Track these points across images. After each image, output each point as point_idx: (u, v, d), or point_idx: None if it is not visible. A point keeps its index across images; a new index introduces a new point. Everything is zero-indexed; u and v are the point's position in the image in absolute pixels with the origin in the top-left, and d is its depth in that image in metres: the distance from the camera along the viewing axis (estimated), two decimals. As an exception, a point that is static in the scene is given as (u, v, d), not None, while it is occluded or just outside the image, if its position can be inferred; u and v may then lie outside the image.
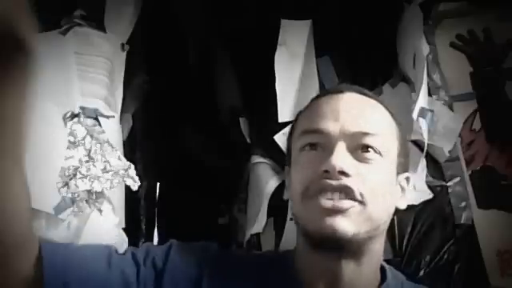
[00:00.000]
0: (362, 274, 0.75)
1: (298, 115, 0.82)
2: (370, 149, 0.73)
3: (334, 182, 0.70)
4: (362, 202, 0.71)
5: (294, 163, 0.77)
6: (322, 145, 0.74)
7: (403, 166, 0.79)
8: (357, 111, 0.76)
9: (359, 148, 0.73)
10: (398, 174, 0.78)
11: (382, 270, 0.79)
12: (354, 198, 0.70)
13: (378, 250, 0.76)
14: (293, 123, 0.82)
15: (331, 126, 0.73)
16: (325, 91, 0.83)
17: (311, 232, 0.72)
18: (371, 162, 0.73)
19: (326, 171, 0.70)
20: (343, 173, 0.70)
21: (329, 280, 0.74)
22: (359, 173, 0.71)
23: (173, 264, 0.75)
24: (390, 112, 0.80)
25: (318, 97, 0.82)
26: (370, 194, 0.71)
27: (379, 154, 0.73)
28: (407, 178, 0.80)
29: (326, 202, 0.70)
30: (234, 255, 0.85)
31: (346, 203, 0.70)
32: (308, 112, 0.80)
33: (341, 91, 0.79)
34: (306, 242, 0.74)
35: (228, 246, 1.68)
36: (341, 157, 0.71)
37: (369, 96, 0.80)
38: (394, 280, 0.79)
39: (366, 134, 0.73)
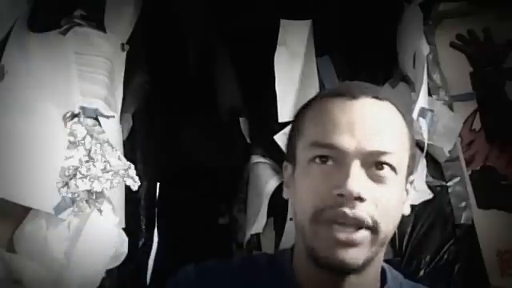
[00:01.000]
0: (364, 283, 0.74)
1: (302, 114, 0.77)
2: (384, 165, 0.69)
3: (349, 213, 0.66)
4: (375, 230, 0.68)
5: (303, 173, 0.71)
6: (334, 159, 0.69)
7: (411, 169, 0.76)
8: (373, 125, 0.70)
9: (374, 165, 0.69)
10: (406, 180, 0.75)
11: (382, 271, 0.78)
12: (367, 227, 0.68)
13: (380, 258, 0.74)
14: (297, 121, 0.77)
15: (347, 143, 0.68)
16: (335, 92, 0.74)
17: (320, 256, 0.69)
18: (385, 180, 0.69)
19: (341, 195, 0.67)
20: (360, 198, 0.67)
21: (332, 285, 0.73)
22: (374, 196, 0.68)
23: None
24: (401, 112, 0.75)
25: (326, 96, 0.75)
26: (383, 218, 0.69)
27: (394, 171, 0.70)
28: (412, 182, 0.77)
29: (340, 235, 0.67)
30: (217, 266, 0.81)
31: (359, 236, 0.67)
32: (318, 117, 0.73)
33: (354, 96, 0.72)
34: (310, 259, 0.72)
35: (228, 246, 1.68)
36: (357, 180, 0.67)
37: (381, 99, 0.73)
38: (393, 281, 0.79)
39: (382, 152, 0.69)
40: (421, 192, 1.44)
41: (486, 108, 1.55)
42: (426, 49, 1.51)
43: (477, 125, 1.55)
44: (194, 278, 0.78)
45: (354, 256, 0.67)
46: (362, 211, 0.67)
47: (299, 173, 0.73)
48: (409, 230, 1.45)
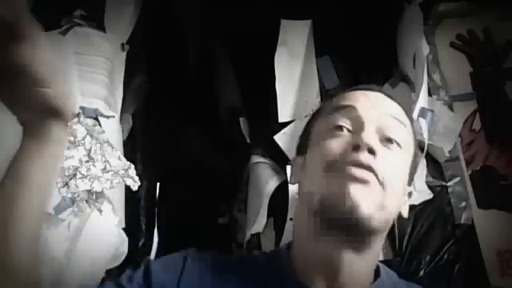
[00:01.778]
0: (360, 268, 0.76)
1: (324, 102, 0.88)
2: (393, 142, 0.77)
3: (362, 158, 0.72)
4: (382, 184, 0.73)
5: (318, 141, 0.78)
6: (351, 128, 0.76)
7: (411, 177, 0.83)
8: (385, 106, 0.81)
9: (384, 139, 0.77)
10: (408, 183, 0.82)
11: (376, 267, 0.80)
12: (375, 174, 0.73)
13: (378, 247, 0.77)
14: (317, 111, 0.86)
15: (364, 105, 0.77)
16: (359, 87, 0.87)
17: (328, 201, 0.72)
18: (393, 150, 0.76)
19: (357, 146, 0.73)
20: (372, 151, 0.72)
21: (328, 271, 0.74)
22: (384, 157, 0.74)
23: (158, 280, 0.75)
24: (407, 113, 0.85)
25: (343, 91, 0.86)
26: (390, 178, 0.74)
27: (399, 146, 0.77)
28: (410, 193, 0.84)
29: (354, 170, 0.72)
30: (220, 258, 0.84)
31: (370, 176, 0.72)
32: (339, 96, 0.84)
33: (372, 89, 0.84)
34: (316, 224, 0.74)
35: (228, 246, 1.68)
36: (371, 135, 0.74)
37: (393, 98, 0.85)
38: (388, 278, 0.80)
39: (391, 126, 0.77)
40: (421, 192, 1.44)
41: (485, 108, 1.55)
42: (425, 49, 1.51)
43: (477, 125, 1.55)
44: (190, 261, 0.79)
45: (362, 194, 0.71)
46: (373, 162, 0.73)
47: (313, 146, 0.79)
48: (409, 230, 1.45)
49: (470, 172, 1.53)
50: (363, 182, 0.71)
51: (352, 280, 0.74)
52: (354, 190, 0.70)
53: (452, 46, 1.58)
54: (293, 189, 1.34)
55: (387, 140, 0.77)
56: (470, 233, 1.47)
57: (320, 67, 1.57)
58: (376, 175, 0.72)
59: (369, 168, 0.72)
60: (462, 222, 1.47)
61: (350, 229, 0.71)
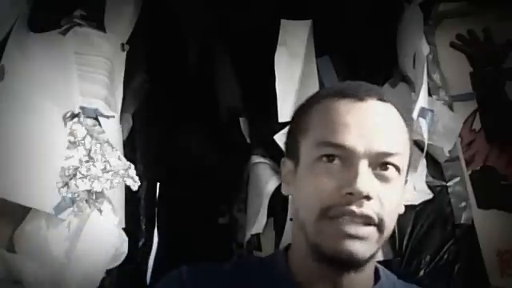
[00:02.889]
0: (360, 280, 0.75)
1: (308, 112, 0.78)
2: (389, 166, 0.71)
3: (357, 210, 0.68)
4: (380, 227, 0.70)
5: (308, 171, 0.73)
6: (342, 158, 0.71)
7: (407, 169, 0.78)
8: (380, 126, 0.73)
9: (379, 165, 0.71)
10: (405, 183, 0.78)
11: (375, 270, 0.79)
12: (373, 224, 0.69)
13: (376, 255, 0.76)
14: (299, 119, 0.79)
15: (357, 143, 0.70)
16: (340, 93, 0.76)
17: (326, 251, 0.70)
18: (390, 180, 0.71)
19: (350, 193, 0.68)
20: (367, 197, 0.68)
21: (328, 285, 0.74)
22: (379, 195, 0.70)
23: None
24: (402, 114, 0.77)
25: (331, 96, 0.76)
26: (388, 218, 0.71)
27: (398, 171, 0.72)
28: (406, 181, 0.79)
29: (349, 228, 0.68)
30: (209, 268, 0.82)
31: (366, 231, 0.69)
32: (326, 116, 0.74)
33: (361, 98, 0.74)
34: (312, 254, 0.73)
35: (228, 246, 1.68)
36: (365, 179, 0.69)
37: (385, 101, 0.76)
38: (387, 280, 0.80)
39: (389, 154, 0.71)
40: (421, 192, 1.44)
41: (486, 108, 1.55)
42: (425, 49, 1.51)
43: (477, 125, 1.55)
44: (186, 279, 0.78)
45: (361, 249, 0.68)
46: (369, 209, 0.69)
47: (303, 171, 0.74)
48: (409, 230, 1.45)
49: (470, 172, 1.53)
50: (359, 238, 0.68)
51: (354, 286, 0.74)
52: (349, 244, 0.68)
53: (452, 46, 1.58)
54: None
55: (384, 165, 0.71)
56: (470, 233, 1.47)
57: (320, 67, 1.57)
58: (372, 223, 0.69)
59: (364, 217, 0.68)
60: (462, 222, 1.47)
61: (350, 268, 0.71)
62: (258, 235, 1.54)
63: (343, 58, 1.61)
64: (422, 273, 1.41)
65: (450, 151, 1.48)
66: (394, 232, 1.44)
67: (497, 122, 1.53)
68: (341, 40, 1.61)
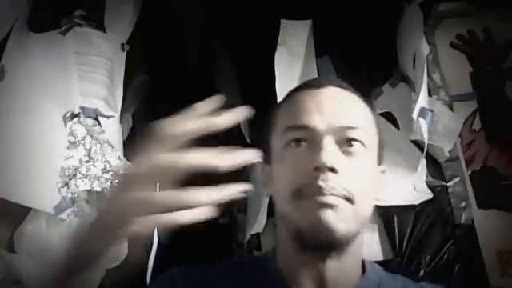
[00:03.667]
0: (345, 270, 0.76)
1: (277, 110, 0.82)
2: (354, 142, 0.74)
3: (323, 184, 0.70)
4: (350, 200, 0.71)
5: (278, 160, 0.77)
6: (308, 140, 0.74)
7: (381, 158, 0.81)
8: (340, 105, 0.77)
9: (344, 142, 0.74)
10: (378, 164, 0.80)
11: (362, 263, 0.80)
12: (343, 197, 0.71)
13: (360, 244, 0.77)
14: (270, 119, 0.82)
15: (318, 121, 0.74)
16: (304, 85, 0.82)
17: (304, 229, 0.71)
18: (356, 154, 0.74)
19: (317, 168, 0.71)
20: (333, 169, 0.71)
21: (313, 279, 0.75)
22: (346, 168, 0.72)
23: None
24: (367, 104, 0.81)
25: (296, 90, 0.81)
26: (358, 191, 0.72)
27: (363, 146, 0.75)
28: (383, 171, 0.82)
29: (320, 199, 0.70)
30: (201, 269, 0.83)
31: (337, 200, 0.71)
32: (290, 106, 0.79)
33: (322, 85, 0.79)
34: (294, 242, 0.74)
35: (228, 246, 1.68)
36: (330, 152, 0.72)
37: (347, 89, 0.80)
38: (373, 272, 0.80)
39: (350, 127, 0.74)
40: (421, 192, 1.44)
41: (486, 108, 1.54)
42: (426, 49, 1.51)
43: (477, 125, 1.55)
44: (178, 281, 0.79)
45: (334, 218, 0.70)
46: (335, 182, 0.71)
47: (275, 163, 0.77)
48: (409, 229, 1.45)
49: (470, 172, 1.53)
50: (331, 207, 0.70)
51: (339, 279, 0.75)
52: (325, 216, 0.69)
53: (452, 46, 1.58)
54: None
55: (349, 142, 0.74)
56: (470, 233, 1.47)
57: (320, 67, 1.57)
58: (341, 195, 0.71)
59: (333, 190, 0.70)
60: (462, 222, 1.47)
61: (330, 247, 0.72)
62: (257, 235, 1.54)
63: (343, 58, 1.61)
64: (422, 273, 1.41)
65: (450, 151, 1.48)
66: (393, 232, 1.45)
67: (497, 122, 1.53)
68: (341, 40, 1.61)
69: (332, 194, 0.70)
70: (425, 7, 1.50)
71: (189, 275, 0.81)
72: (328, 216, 0.70)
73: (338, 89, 0.79)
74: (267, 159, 0.81)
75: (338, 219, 0.70)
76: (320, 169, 0.70)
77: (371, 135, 0.78)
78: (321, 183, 0.70)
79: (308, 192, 0.71)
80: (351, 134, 0.74)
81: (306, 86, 0.81)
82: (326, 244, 0.72)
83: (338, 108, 0.76)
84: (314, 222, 0.70)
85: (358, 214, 0.73)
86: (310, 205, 0.71)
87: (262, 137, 0.84)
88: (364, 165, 0.75)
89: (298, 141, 0.74)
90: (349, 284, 0.77)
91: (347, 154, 0.73)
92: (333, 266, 0.74)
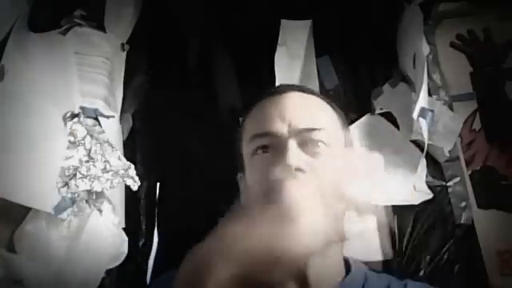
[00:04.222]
0: (328, 267, 0.76)
1: (244, 120, 0.84)
2: (318, 143, 0.76)
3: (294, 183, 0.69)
4: (321, 196, 0.70)
5: (248, 168, 0.77)
6: (273, 146, 0.76)
7: (349, 144, 0.82)
8: (301, 109, 0.79)
9: (308, 143, 0.76)
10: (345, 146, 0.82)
11: (346, 262, 0.80)
12: (312, 196, 0.69)
13: (340, 245, 0.77)
14: (240, 129, 0.83)
15: (280, 127, 0.76)
16: (267, 93, 0.84)
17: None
18: (321, 154, 0.76)
19: (283, 173, 0.72)
20: (299, 169, 0.71)
21: (295, 277, 0.75)
22: (313, 168, 0.73)
23: None
24: (330, 104, 0.83)
25: (260, 100, 0.84)
26: (328, 187, 0.74)
27: (327, 145, 0.77)
28: (352, 170, 0.85)
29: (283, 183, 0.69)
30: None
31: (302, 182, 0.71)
32: (254, 116, 0.82)
33: (283, 91, 0.82)
34: None
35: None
36: (295, 154, 0.73)
37: (309, 93, 0.83)
38: (358, 271, 0.80)
39: (312, 129, 0.76)
40: (421, 192, 1.44)
41: (486, 108, 1.55)
42: (426, 49, 1.51)
43: (477, 125, 1.55)
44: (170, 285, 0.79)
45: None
46: (303, 180, 0.72)
47: (246, 170, 0.78)
48: (409, 229, 1.45)
49: (470, 172, 1.53)
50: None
51: (322, 277, 0.74)
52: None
53: (452, 46, 1.58)
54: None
55: (312, 142, 0.75)
56: (469, 233, 1.47)
57: (320, 67, 1.57)
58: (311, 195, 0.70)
59: (302, 189, 0.68)
60: (462, 222, 1.47)
61: None
62: (257, 235, 1.53)
63: (343, 57, 1.61)
64: (421, 273, 1.41)
65: (450, 151, 1.48)
66: (393, 232, 1.44)
67: (497, 122, 1.53)
68: (341, 40, 1.61)
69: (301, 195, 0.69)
70: (425, 7, 1.50)
71: (167, 282, 0.81)
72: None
73: (299, 93, 0.82)
74: (241, 168, 0.81)
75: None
76: (287, 170, 0.72)
77: (335, 133, 0.80)
78: (289, 182, 0.69)
79: (276, 190, 0.69)
80: (313, 136, 0.75)
81: (269, 93, 0.84)
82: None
83: (298, 111, 0.78)
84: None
85: (331, 212, 0.72)
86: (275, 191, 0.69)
87: (235, 147, 0.85)
88: (330, 163, 0.75)
89: (264, 147, 0.77)
90: (333, 282, 0.77)
91: (311, 153, 0.75)
92: (315, 263, 0.74)
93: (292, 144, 0.74)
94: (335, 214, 0.74)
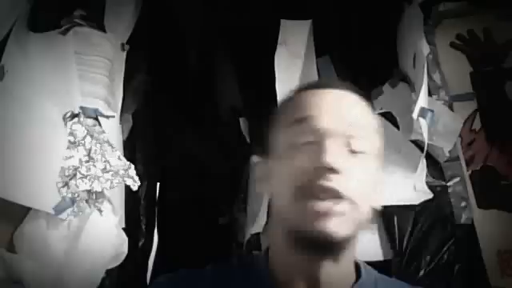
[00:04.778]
0: (339, 272, 0.75)
1: (280, 107, 0.82)
2: (357, 145, 0.74)
3: (325, 184, 0.70)
4: (352, 202, 0.71)
5: (280, 157, 0.76)
6: (312, 138, 0.74)
7: (381, 162, 0.81)
8: (346, 109, 0.77)
9: (348, 145, 0.74)
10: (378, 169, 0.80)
11: (356, 266, 0.80)
12: (345, 198, 0.71)
13: (354, 245, 0.77)
14: (274, 118, 0.82)
15: (324, 121, 0.74)
16: (310, 85, 0.82)
17: (303, 231, 0.71)
18: (358, 158, 0.74)
19: (319, 168, 0.70)
20: (334, 170, 0.70)
21: (307, 281, 0.74)
22: (349, 170, 0.72)
23: None
24: (368, 107, 0.82)
25: (302, 89, 0.81)
26: (358, 191, 0.72)
27: (366, 150, 0.75)
28: (382, 176, 0.82)
29: (320, 206, 0.69)
30: (189, 274, 0.82)
31: (338, 207, 0.70)
32: (296, 104, 0.79)
33: (329, 86, 0.80)
34: (290, 242, 0.73)
35: (228, 246, 1.68)
36: (332, 153, 0.71)
37: (353, 92, 0.80)
38: (368, 276, 0.80)
39: (354, 136, 0.74)
40: (421, 192, 1.44)
41: (486, 108, 1.55)
42: (426, 49, 1.51)
43: (477, 125, 1.55)
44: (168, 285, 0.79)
45: (336, 226, 0.70)
46: (336, 183, 0.70)
47: (275, 158, 0.77)
48: (409, 229, 1.45)
49: (470, 172, 1.53)
50: (332, 215, 0.69)
51: (333, 282, 0.74)
52: (326, 224, 0.69)
53: (452, 46, 1.58)
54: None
55: (352, 145, 0.74)
56: (470, 233, 1.47)
57: (320, 67, 1.57)
58: (342, 195, 0.70)
59: (333, 191, 0.70)
60: (462, 222, 1.47)
61: (326, 249, 0.72)
62: (257, 235, 1.54)
63: (343, 57, 1.61)
64: (421, 273, 1.41)
65: (450, 151, 1.48)
66: (393, 232, 1.45)
67: (497, 122, 1.53)
68: (341, 40, 1.61)
69: (334, 197, 0.70)
70: (425, 7, 1.50)
71: (177, 282, 0.80)
72: (329, 220, 0.69)
73: (347, 92, 0.80)
74: (262, 153, 0.80)
75: (338, 224, 0.70)
76: (322, 169, 0.70)
77: (374, 140, 0.78)
78: (322, 182, 0.70)
79: (309, 192, 0.70)
80: (354, 141, 0.74)
81: (313, 86, 0.81)
82: (324, 248, 0.72)
83: (344, 111, 0.76)
84: (314, 225, 0.69)
85: (357, 217, 0.72)
86: (311, 206, 0.70)
87: (261, 132, 0.83)
88: (365, 170, 0.74)
89: (301, 138, 0.74)
90: (344, 285, 0.76)
91: (350, 156, 0.73)
92: (327, 269, 0.74)
93: (331, 142, 0.72)
94: (361, 222, 0.74)
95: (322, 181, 0.70)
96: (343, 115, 0.76)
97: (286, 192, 0.73)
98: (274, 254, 0.79)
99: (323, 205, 0.70)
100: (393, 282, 0.85)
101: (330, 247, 0.72)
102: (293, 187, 0.72)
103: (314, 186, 0.70)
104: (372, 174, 0.76)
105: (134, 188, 1.29)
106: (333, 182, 0.70)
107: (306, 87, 0.82)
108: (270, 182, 0.78)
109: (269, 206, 1.52)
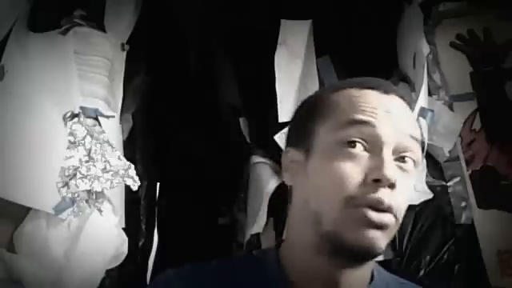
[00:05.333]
0: (358, 277, 0.75)
1: (324, 100, 0.76)
2: (408, 158, 0.72)
3: (382, 198, 0.67)
4: (396, 218, 0.70)
5: (326, 157, 0.70)
6: (367, 144, 0.70)
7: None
8: (403, 120, 0.73)
9: (400, 156, 0.71)
10: None
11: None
12: (393, 213, 0.69)
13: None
14: (315, 106, 0.77)
15: (383, 128, 0.70)
16: (364, 85, 0.75)
17: (347, 241, 0.68)
18: (408, 172, 0.72)
19: (377, 180, 0.68)
20: (392, 185, 0.68)
21: (325, 283, 0.73)
22: (400, 185, 0.69)
23: None
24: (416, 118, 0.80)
25: (354, 87, 0.76)
26: (403, 208, 0.71)
27: (414, 164, 0.73)
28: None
29: (374, 216, 0.67)
30: (196, 269, 0.81)
31: (388, 219, 0.68)
32: (353, 101, 0.73)
33: (386, 91, 0.75)
34: (322, 246, 0.71)
35: (228, 246, 1.68)
36: (391, 166, 0.69)
37: (405, 100, 0.77)
38: (380, 277, 0.79)
39: (408, 147, 0.72)
40: (421, 192, 1.44)
41: (486, 108, 1.55)
42: (426, 49, 1.51)
43: (477, 125, 1.55)
44: (173, 282, 0.78)
45: (381, 239, 0.68)
46: (392, 199, 0.68)
47: (320, 158, 0.72)
48: (409, 229, 1.45)
49: (470, 172, 1.53)
50: (382, 225, 0.67)
51: (351, 286, 0.74)
52: (373, 234, 0.67)
53: (452, 45, 1.58)
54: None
55: (402, 158, 0.71)
56: (470, 233, 1.47)
57: (320, 67, 1.57)
58: (394, 215, 0.69)
59: (388, 208, 0.68)
60: (462, 222, 1.47)
61: (363, 259, 0.71)
62: (257, 235, 1.54)
63: (343, 57, 1.61)
64: (421, 273, 1.41)
65: (449, 151, 1.49)
66: (393, 232, 1.45)
67: (497, 122, 1.53)
68: (341, 40, 1.61)
69: (385, 212, 0.68)
70: (425, 7, 1.50)
71: (184, 276, 0.79)
72: (375, 235, 0.68)
73: (401, 99, 0.76)
74: (299, 145, 0.76)
75: (384, 238, 0.69)
76: (381, 182, 0.67)
77: (420, 153, 0.75)
78: (380, 196, 0.67)
79: (363, 202, 0.68)
80: (407, 152, 0.71)
81: (370, 86, 0.76)
82: (361, 257, 0.70)
83: (401, 123, 0.72)
84: (361, 238, 0.67)
85: (394, 232, 0.71)
86: (361, 218, 0.68)
87: (298, 123, 0.79)
88: (410, 183, 0.72)
89: (353, 142, 0.70)
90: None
91: (401, 169, 0.71)
92: (348, 274, 0.72)
93: (388, 153, 0.69)
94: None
95: (379, 194, 0.67)
96: (403, 125, 0.72)
97: (335, 198, 0.69)
98: (288, 251, 0.77)
99: (377, 216, 0.67)
100: (403, 284, 0.84)
101: (367, 258, 0.70)
102: (343, 195, 0.69)
103: (368, 197, 0.68)
104: (412, 186, 0.75)
105: (134, 188, 1.29)
106: (389, 196, 0.68)
107: (358, 85, 0.76)
108: (308, 183, 0.74)
109: (270, 206, 1.52)
